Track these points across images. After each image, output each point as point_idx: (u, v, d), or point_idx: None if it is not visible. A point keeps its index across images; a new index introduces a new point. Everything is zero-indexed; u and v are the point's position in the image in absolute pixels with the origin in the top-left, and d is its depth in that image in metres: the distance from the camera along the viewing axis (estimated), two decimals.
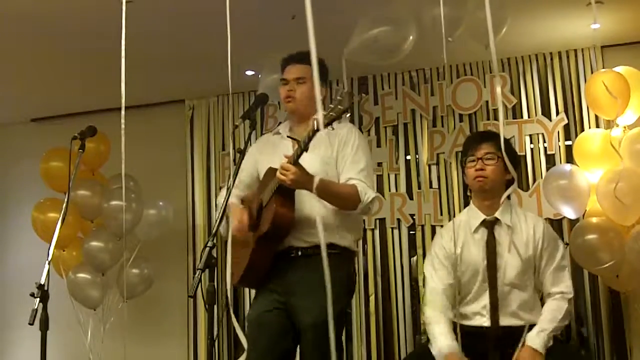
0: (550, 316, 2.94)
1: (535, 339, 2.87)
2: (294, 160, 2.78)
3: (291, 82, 3.13)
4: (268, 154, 3.18)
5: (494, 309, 3.00)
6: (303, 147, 2.73)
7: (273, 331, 3.01)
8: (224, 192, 3.28)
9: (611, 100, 3.91)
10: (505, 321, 3.00)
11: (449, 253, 3.13)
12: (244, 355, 2.42)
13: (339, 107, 2.60)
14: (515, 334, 2.92)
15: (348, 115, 2.67)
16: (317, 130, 2.66)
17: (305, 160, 2.84)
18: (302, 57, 3.11)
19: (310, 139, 2.71)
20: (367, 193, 2.98)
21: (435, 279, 3.13)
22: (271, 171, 3.00)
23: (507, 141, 3.29)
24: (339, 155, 3.07)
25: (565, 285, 3.02)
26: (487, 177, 3.06)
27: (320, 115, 2.64)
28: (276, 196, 2.88)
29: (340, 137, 3.04)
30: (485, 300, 3.03)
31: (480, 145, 3.11)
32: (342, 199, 2.97)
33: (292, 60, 3.16)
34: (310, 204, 2.97)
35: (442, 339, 2.95)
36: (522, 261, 3.02)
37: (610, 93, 3.79)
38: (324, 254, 3.04)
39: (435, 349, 2.96)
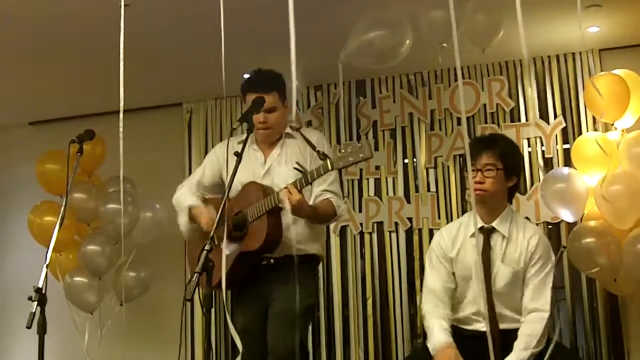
0: (524, 344, 2.88)
1: None
2: (299, 190, 2.93)
3: (263, 113, 3.20)
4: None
5: (489, 315, 2.99)
6: (310, 181, 2.90)
7: (257, 342, 3.17)
8: (183, 190, 3.45)
9: (610, 103, 3.92)
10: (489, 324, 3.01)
11: (445, 253, 3.14)
12: (239, 358, 2.43)
13: (360, 155, 2.75)
14: (504, 337, 2.92)
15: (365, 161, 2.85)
16: (331, 170, 2.85)
17: (282, 171, 3.10)
18: (268, 84, 3.22)
19: (319, 175, 2.88)
20: (341, 207, 3.22)
21: (433, 275, 3.15)
22: (253, 186, 3.11)
23: (511, 146, 3.25)
24: (311, 165, 3.17)
25: (543, 302, 2.97)
26: (487, 191, 3.03)
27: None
28: (269, 217, 3.02)
29: (311, 151, 3.15)
30: (479, 305, 3.03)
31: (481, 155, 3.06)
32: (323, 218, 3.22)
33: (259, 88, 3.21)
34: (283, 220, 3.12)
35: (437, 333, 2.97)
36: (512, 273, 3.01)
37: (598, 92, 3.78)
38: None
39: (430, 343, 2.98)
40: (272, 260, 3.13)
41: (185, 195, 3.40)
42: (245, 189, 3.14)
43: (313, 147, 3.11)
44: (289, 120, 3.38)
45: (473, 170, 3.06)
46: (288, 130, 3.30)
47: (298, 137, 3.26)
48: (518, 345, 2.90)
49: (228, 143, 3.03)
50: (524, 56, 4.43)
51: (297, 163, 2.95)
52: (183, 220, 3.37)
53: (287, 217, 3.09)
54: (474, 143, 3.30)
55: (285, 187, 2.92)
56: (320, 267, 4.89)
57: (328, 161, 2.81)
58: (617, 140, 4.04)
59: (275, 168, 3.20)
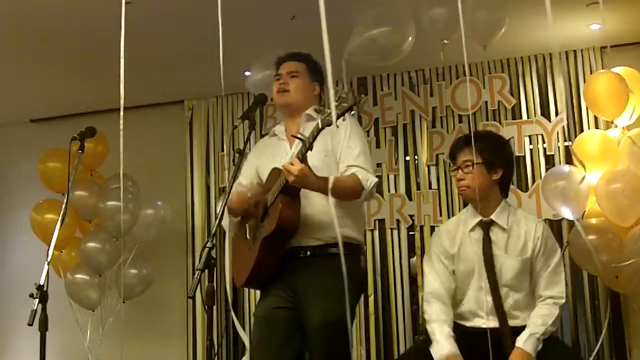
0: (540, 320, 2.91)
1: (525, 342, 2.85)
2: (300, 159, 2.77)
3: (284, 76, 3.15)
4: (268, 156, 3.18)
5: (497, 310, 2.99)
6: (308, 145, 2.72)
7: (282, 329, 2.97)
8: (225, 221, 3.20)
9: (610, 101, 3.90)
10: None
11: (447, 251, 3.14)
12: (247, 356, 2.41)
13: (344, 104, 2.59)
14: (510, 334, 2.92)
15: (353, 113, 2.67)
16: (322, 128, 2.65)
17: (307, 155, 2.81)
18: (297, 55, 3.20)
19: (315, 137, 2.70)
20: (369, 179, 2.95)
21: (434, 277, 3.14)
22: (275, 172, 2.99)
23: (490, 139, 3.25)
24: (334, 143, 3.05)
25: (558, 290, 2.99)
26: (469, 187, 3.06)
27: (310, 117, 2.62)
28: (282, 196, 2.85)
29: (333, 126, 3.01)
30: (482, 300, 3.02)
31: (459, 152, 3.11)
32: (345, 192, 2.95)
33: (287, 58, 3.21)
34: (314, 201, 2.94)
35: (442, 341, 2.93)
36: (520, 262, 3.01)
37: (621, 84, 3.76)
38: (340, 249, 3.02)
39: (435, 352, 2.95)
40: (308, 252, 2.95)
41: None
42: (269, 177, 3.05)
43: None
44: (316, 103, 3.18)
45: (455, 169, 3.13)
46: (310, 112, 3.13)
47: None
48: (534, 322, 2.90)
49: (260, 135, 2.93)
50: (554, 51, 4.40)
51: (299, 132, 2.84)
52: (225, 216, 3.14)
53: (318, 200, 2.93)
54: (454, 143, 3.31)
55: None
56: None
57: (319, 120, 2.66)
58: (617, 137, 4.04)
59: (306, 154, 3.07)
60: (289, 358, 2.96)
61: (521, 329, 2.94)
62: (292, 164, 2.73)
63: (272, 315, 3.00)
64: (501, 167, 3.11)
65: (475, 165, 3.04)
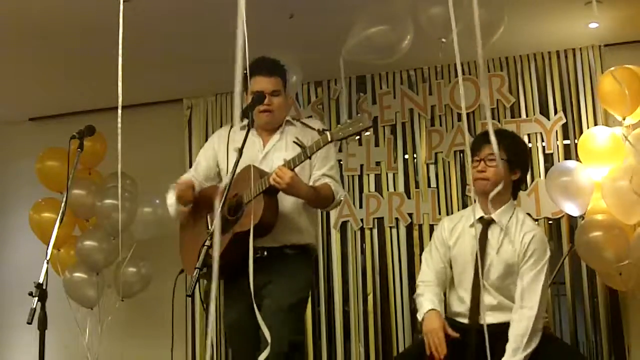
0: (515, 345, 2.86)
1: None
2: (294, 166, 2.85)
3: (268, 96, 3.17)
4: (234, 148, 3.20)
5: (474, 306, 3.00)
6: (309, 154, 2.82)
7: (252, 338, 3.04)
8: (171, 194, 3.36)
9: (623, 98, 3.88)
10: (483, 319, 2.99)
11: (445, 240, 3.19)
12: (267, 350, 2.41)
13: (360, 124, 2.69)
14: (493, 332, 2.91)
15: (367, 133, 2.74)
16: (330, 141, 2.77)
17: (280, 156, 2.98)
18: (272, 69, 3.22)
19: (318, 149, 2.81)
20: (339, 192, 3.14)
21: (430, 262, 3.22)
22: (255, 170, 3.01)
23: (515, 140, 3.27)
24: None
25: (532, 300, 2.92)
26: (489, 180, 3.04)
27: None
28: (264, 197, 2.93)
29: (312, 134, 3.08)
30: (468, 296, 3.04)
31: (484, 145, 3.08)
32: (321, 201, 3.12)
33: (263, 71, 3.20)
34: (281, 205, 3.03)
35: (425, 303, 3.04)
36: (506, 266, 3.00)
37: (618, 82, 3.76)
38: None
39: (419, 314, 3.06)
40: (265, 252, 3.03)
41: (180, 179, 3.38)
42: (242, 173, 3.04)
43: (313, 129, 3.09)
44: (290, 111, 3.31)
45: (476, 161, 3.09)
46: (288, 118, 3.27)
47: (298, 125, 3.26)
48: (509, 346, 2.87)
49: (230, 130, 2.99)
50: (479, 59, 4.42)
51: (296, 138, 2.90)
52: (171, 200, 3.33)
53: (286, 204, 3.04)
54: (478, 137, 3.33)
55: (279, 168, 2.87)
56: (320, 261, 4.90)
57: (327, 133, 2.76)
58: (623, 134, 4.03)
59: (273, 153, 3.15)
60: None
61: (498, 326, 2.93)
62: (281, 171, 2.83)
63: (240, 326, 3.11)
64: (520, 170, 3.13)
65: (500, 161, 3.04)
